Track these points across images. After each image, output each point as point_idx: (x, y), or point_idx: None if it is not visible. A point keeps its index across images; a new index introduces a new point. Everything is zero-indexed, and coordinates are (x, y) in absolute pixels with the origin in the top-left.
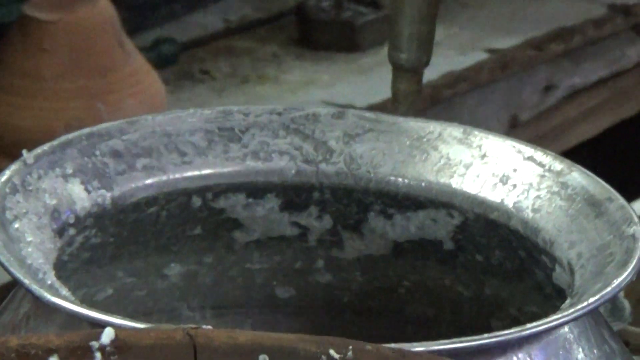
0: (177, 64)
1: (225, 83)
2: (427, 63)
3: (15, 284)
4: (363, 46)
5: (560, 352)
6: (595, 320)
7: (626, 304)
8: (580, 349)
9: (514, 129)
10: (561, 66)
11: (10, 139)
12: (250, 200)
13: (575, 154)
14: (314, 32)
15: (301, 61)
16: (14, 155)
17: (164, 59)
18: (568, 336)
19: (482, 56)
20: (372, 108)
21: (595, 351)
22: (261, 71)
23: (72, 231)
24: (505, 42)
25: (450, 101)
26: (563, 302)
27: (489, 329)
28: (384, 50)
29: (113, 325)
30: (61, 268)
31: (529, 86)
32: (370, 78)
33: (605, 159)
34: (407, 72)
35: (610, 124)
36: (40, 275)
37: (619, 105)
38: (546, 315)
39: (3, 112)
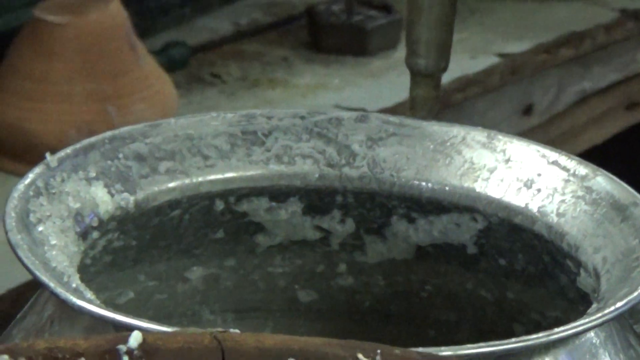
0: (188, 68)
1: (236, 87)
2: (445, 68)
3: (28, 287)
4: (373, 50)
5: (587, 357)
6: (621, 325)
7: None
8: (606, 354)
9: (524, 133)
10: (571, 71)
11: (21, 143)
12: (273, 203)
13: (585, 159)
14: (325, 36)
15: (311, 65)
16: (26, 160)
17: (175, 62)
18: (594, 341)
19: (493, 60)
20: (382, 112)
21: (621, 356)
22: (271, 75)
23: (95, 234)
24: (515, 47)
25: (460, 105)
26: (587, 307)
27: (511, 334)
28: (395, 55)
29: (140, 328)
30: (84, 271)
31: (539, 90)
32: (380, 82)
33: (615, 164)
34: (425, 78)
35: (620, 129)
36: (65, 279)
37: (629, 110)
38: (569, 320)
39: (14, 116)
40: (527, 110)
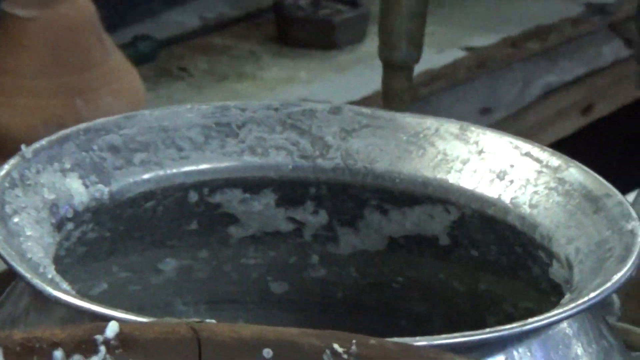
0: (156, 62)
1: (204, 80)
2: (417, 60)
3: (6, 276)
4: (341, 44)
5: (560, 347)
6: (594, 316)
7: (615, 299)
8: (579, 344)
9: (490, 126)
10: (538, 64)
11: None
12: (247, 195)
13: None
14: (292, 29)
15: (279, 59)
16: None
17: (142, 56)
18: (567, 331)
19: (459, 54)
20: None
21: (593, 346)
22: (239, 69)
23: (70, 226)
24: (482, 40)
25: (426, 99)
26: (559, 298)
27: (484, 325)
28: (362, 48)
29: (116, 319)
30: (58, 262)
31: (505, 84)
32: (348, 76)
33: (581, 158)
34: (398, 69)
35: (586, 123)
36: (41, 270)
37: (595, 104)
38: (541, 311)
39: None
40: (493, 104)
